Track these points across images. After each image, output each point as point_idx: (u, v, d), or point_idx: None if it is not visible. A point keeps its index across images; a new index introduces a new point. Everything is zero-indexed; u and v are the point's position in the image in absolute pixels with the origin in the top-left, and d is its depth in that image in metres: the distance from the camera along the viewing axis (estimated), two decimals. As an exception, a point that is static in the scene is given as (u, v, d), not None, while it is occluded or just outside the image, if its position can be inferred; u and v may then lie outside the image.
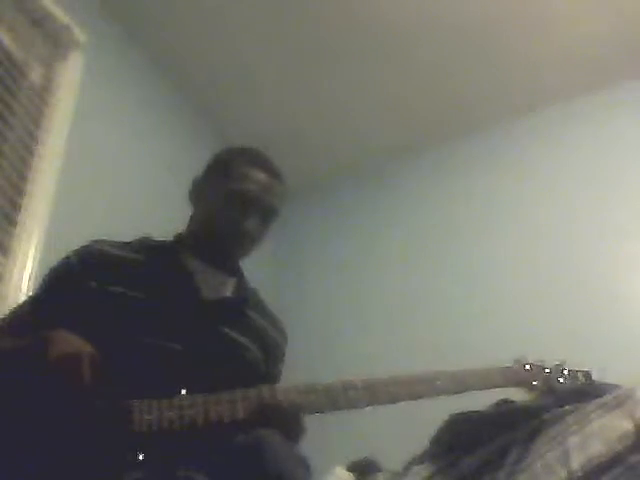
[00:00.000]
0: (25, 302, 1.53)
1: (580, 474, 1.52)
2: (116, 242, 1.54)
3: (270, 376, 1.54)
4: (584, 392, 1.70)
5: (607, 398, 1.64)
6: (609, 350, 2.49)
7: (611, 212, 2.99)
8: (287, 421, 1.28)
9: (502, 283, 3.05)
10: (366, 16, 3.06)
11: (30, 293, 2.09)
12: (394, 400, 1.41)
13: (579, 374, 1.74)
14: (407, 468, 1.81)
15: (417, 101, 3.41)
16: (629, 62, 3.15)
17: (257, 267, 1.72)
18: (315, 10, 3.06)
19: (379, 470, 2.05)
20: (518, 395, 1.74)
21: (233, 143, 1.77)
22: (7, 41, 2.53)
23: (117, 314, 1.38)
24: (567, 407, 1.67)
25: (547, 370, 1.72)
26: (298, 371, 1.63)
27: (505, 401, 1.82)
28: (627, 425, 1.55)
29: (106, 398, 1.23)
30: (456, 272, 3.20)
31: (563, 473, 1.54)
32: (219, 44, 3.21)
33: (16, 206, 2.36)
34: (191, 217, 1.63)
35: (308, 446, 1.38)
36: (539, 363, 1.71)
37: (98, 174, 2.69)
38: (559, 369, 1.72)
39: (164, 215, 2.10)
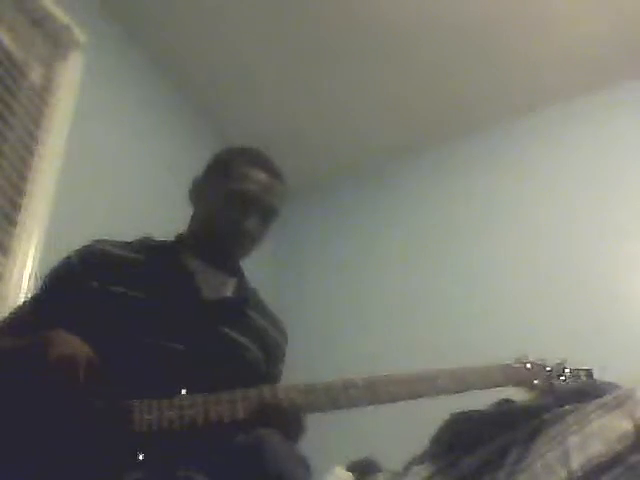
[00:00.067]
0: (26, 302, 1.53)
1: (580, 474, 1.52)
2: (117, 242, 1.54)
3: (270, 376, 1.54)
4: (584, 392, 1.70)
5: (607, 398, 1.64)
6: (609, 350, 2.49)
7: (611, 212, 2.99)
8: (288, 421, 1.28)
9: (502, 283, 3.05)
10: (366, 16, 3.06)
11: (30, 293, 2.09)
12: (395, 399, 1.41)
13: (580, 373, 1.74)
14: (407, 468, 1.81)
15: (417, 101, 3.41)
16: (629, 62, 3.15)
17: (257, 267, 1.72)
18: (315, 10, 3.06)
19: (379, 470, 2.05)
20: (519, 395, 1.74)
21: (233, 143, 1.77)
22: (7, 41, 2.53)
23: (118, 314, 1.39)
24: (567, 407, 1.67)
25: (548, 369, 1.72)
26: (298, 371, 1.63)
27: (505, 401, 1.82)
28: (627, 425, 1.55)
29: (106, 398, 1.23)
30: (456, 272, 3.20)
31: (563, 473, 1.54)
32: (219, 44, 3.21)
33: (16, 206, 2.36)
34: (191, 217, 1.63)
35: (308, 446, 1.38)
36: (540, 362, 1.71)
37: (98, 174, 2.69)
38: (560, 368, 1.72)
39: (164, 215, 2.10)
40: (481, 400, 1.77)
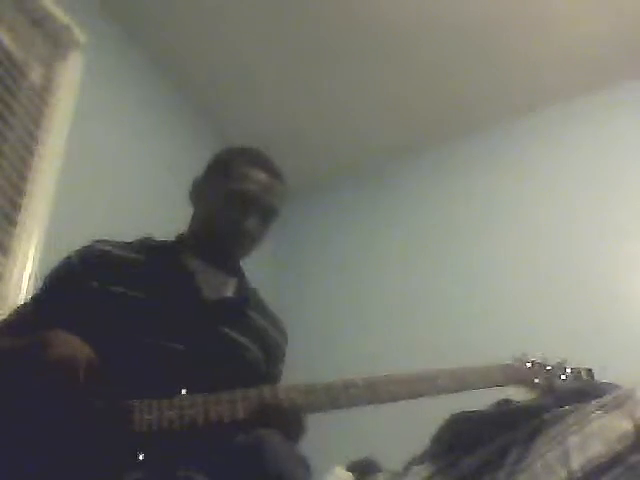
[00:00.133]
0: (26, 302, 1.53)
1: (580, 474, 1.52)
2: (117, 242, 1.54)
3: (270, 376, 1.54)
4: (584, 392, 1.70)
5: (607, 398, 1.64)
6: (609, 350, 2.49)
7: (611, 212, 2.99)
8: (288, 421, 1.28)
9: (502, 283, 3.05)
10: (366, 16, 3.06)
11: (30, 293, 2.09)
12: (395, 398, 1.41)
13: (581, 371, 1.74)
14: (407, 468, 1.81)
15: (417, 101, 3.41)
16: (629, 62, 3.15)
17: (257, 267, 1.72)
18: (315, 10, 3.06)
19: (379, 470, 2.05)
20: (519, 394, 1.74)
21: (233, 143, 1.78)
22: (7, 41, 2.53)
23: (118, 314, 1.39)
24: (567, 407, 1.67)
25: (548, 368, 1.72)
26: (298, 371, 1.63)
27: (505, 401, 1.82)
28: (627, 425, 1.55)
29: (106, 398, 1.23)
30: (456, 272, 3.20)
31: (563, 473, 1.54)
32: (219, 44, 3.21)
33: (16, 206, 2.36)
34: (192, 217, 1.63)
35: (308, 446, 1.38)
36: (540, 361, 1.71)
37: (98, 174, 2.69)
38: (560, 367, 1.72)
39: (164, 215, 2.10)
40: (481, 400, 1.77)
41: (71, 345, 1.25)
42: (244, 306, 1.57)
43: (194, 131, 3.41)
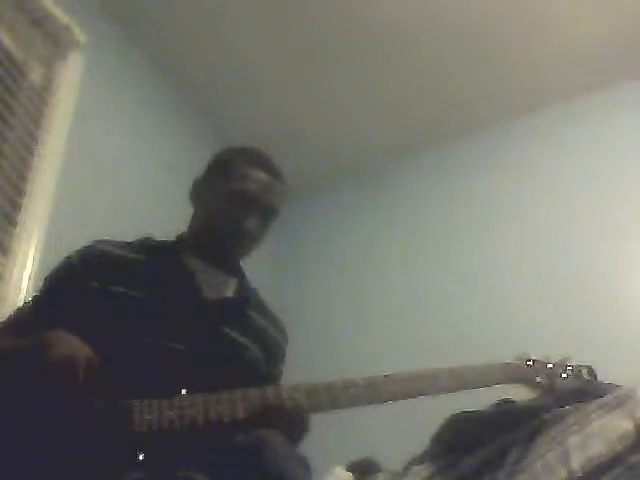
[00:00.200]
0: (27, 303, 1.53)
1: (580, 474, 1.52)
2: (117, 242, 1.54)
3: (271, 376, 1.54)
4: (584, 392, 1.69)
5: (607, 398, 1.64)
6: (609, 350, 2.49)
7: (611, 212, 2.99)
8: (290, 422, 1.28)
9: (502, 283, 3.05)
10: (366, 16, 3.06)
11: (30, 293, 2.09)
12: (395, 397, 1.41)
13: (583, 369, 1.74)
14: (407, 468, 1.81)
15: (417, 101, 3.41)
16: (629, 62, 3.15)
17: (257, 267, 1.72)
18: (315, 10, 3.06)
19: (379, 470, 2.05)
20: (519, 394, 1.74)
21: (233, 143, 1.77)
22: (7, 41, 2.53)
23: (118, 314, 1.39)
24: (567, 407, 1.67)
25: (550, 366, 1.71)
26: (298, 371, 1.62)
27: (505, 401, 1.82)
28: (627, 425, 1.54)
29: (106, 398, 1.23)
30: (456, 272, 3.20)
31: (563, 473, 1.54)
32: (219, 44, 3.21)
33: (16, 206, 2.36)
34: (192, 217, 1.63)
35: (308, 446, 1.38)
36: (542, 359, 1.71)
37: (98, 174, 2.69)
38: (562, 365, 1.72)
39: (164, 215, 2.10)
40: (481, 400, 1.77)
41: (71, 345, 1.25)
42: (244, 306, 1.57)
43: (194, 131, 3.41)
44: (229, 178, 1.57)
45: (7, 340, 1.36)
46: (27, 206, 2.37)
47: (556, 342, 2.42)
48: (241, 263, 1.65)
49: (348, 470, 2.09)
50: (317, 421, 1.38)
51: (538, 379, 1.68)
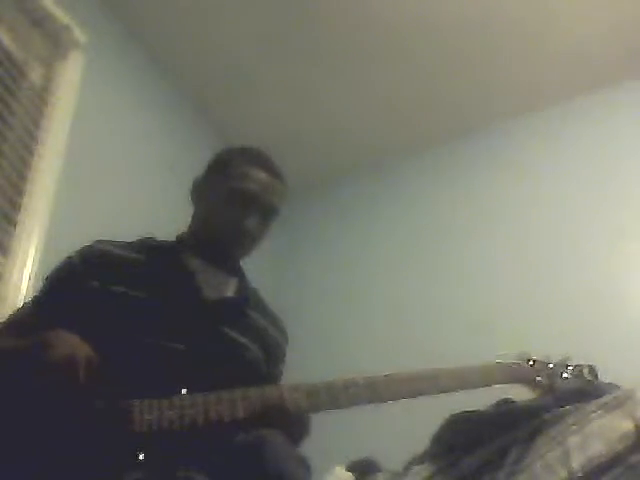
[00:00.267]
0: (28, 303, 1.53)
1: (580, 474, 1.52)
2: (118, 242, 1.54)
3: (271, 376, 1.54)
4: (584, 392, 1.70)
5: (607, 398, 1.64)
6: (609, 350, 2.48)
7: (611, 212, 2.98)
8: (292, 422, 1.28)
9: (503, 283, 3.05)
10: (366, 16, 3.06)
11: (30, 293, 2.09)
12: (396, 397, 1.41)
13: (584, 369, 1.74)
14: (407, 468, 1.81)
15: (417, 101, 3.41)
16: (629, 62, 3.15)
17: (257, 267, 1.72)
18: (315, 10, 3.06)
19: (379, 470, 2.05)
20: (520, 394, 1.74)
21: (233, 143, 1.77)
22: (7, 41, 2.53)
23: (118, 314, 1.39)
24: (567, 407, 1.67)
25: (550, 366, 1.71)
26: (298, 371, 1.62)
27: (505, 401, 1.82)
28: (628, 425, 1.55)
29: (106, 398, 1.23)
30: (457, 271, 3.20)
31: (563, 473, 1.54)
32: (219, 44, 3.21)
33: (16, 206, 2.36)
34: (192, 217, 1.63)
35: (308, 446, 1.38)
36: (542, 359, 1.71)
37: (98, 174, 2.69)
38: (563, 364, 1.72)
39: (165, 215, 2.10)
40: (481, 400, 1.77)
41: (71, 344, 1.25)
42: (244, 306, 1.57)
43: (194, 131, 3.40)
44: (229, 178, 1.57)
45: (7, 340, 1.37)
46: (27, 206, 2.37)
47: (555, 342, 2.44)
48: (241, 263, 1.65)
49: (348, 470, 2.09)
50: (317, 421, 1.38)
51: (538, 379, 1.68)
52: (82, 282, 1.43)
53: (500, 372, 1.66)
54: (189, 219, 1.64)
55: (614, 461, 1.50)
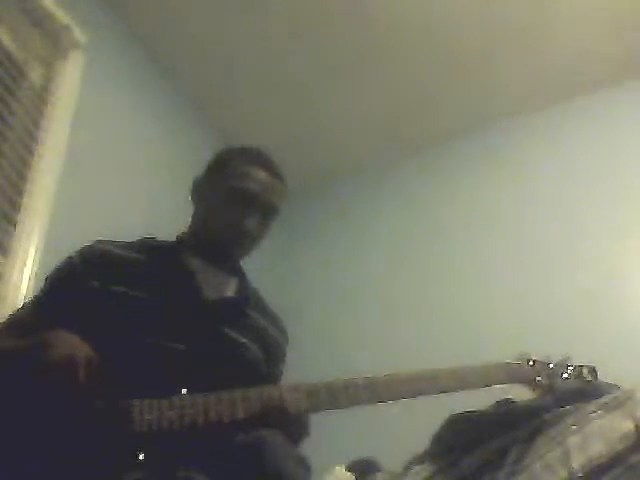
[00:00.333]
0: (29, 302, 1.53)
1: (580, 474, 1.52)
2: (118, 242, 1.54)
3: (271, 376, 1.54)
4: (584, 392, 1.70)
5: (607, 398, 1.64)
6: (609, 350, 2.48)
7: (611, 212, 2.98)
8: (291, 422, 1.28)
9: (503, 282, 3.05)
10: (365, 16, 3.07)
11: (30, 293, 2.09)
12: (396, 397, 1.41)
13: (584, 369, 1.73)
14: (407, 468, 1.81)
15: (417, 101, 3.41)
16: (629, 62, 3.15)
17: (257, 267, 1.72)
18: (316, 11, 3.06)
19: (379, 470, 2.05)
20: (519, 394, 1.74)
21: (233, 143, 1.77)
22: (7, 41, 2.53)
23: (119, 314, 1.39)
24: (567, 407, 1.67)
25: (551, 366, 1.71)
26: (298, 371, 1.62)
27: (505, 401, 1.82)
28: (628, 425, 1.55)
29: (106, 398, 1.23)
30: (457, 271, 3.20)
31: (563, 473, 1.54)
32: (219, 44, 3.21)
33: (16, 206, 2.36)
34: (192, 217, 1.63)
35: (308, 446, 1.38)
36: (542, 359, 1.71)
37: (98, 174, 2.69)
38: (563, 365, 1.72)
39: (165, 215, 2.10)
40: (481, 400, 1.77)
41: (71, 344, 1.25)
42: (244, 306, 1.57)
43: (194, 131, 3.40)
44: (229, 177, 1.57)
45: (8, 340, 1.37)
46: (27, 206, 2.37)
47: (555, 342, 2.44)
48: (241, 263, 1.64)
49: (348, 470, 2.09)
50: (317, 421, 1.38)
51: (538, 379, 1.68)
52: (82, 282, 1.43)
53: (500, 372, 1.66)
54: (189, 219, 1.64)
55: (614, 461, 1.50)
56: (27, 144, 2.49)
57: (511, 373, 1.68)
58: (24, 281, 2.25)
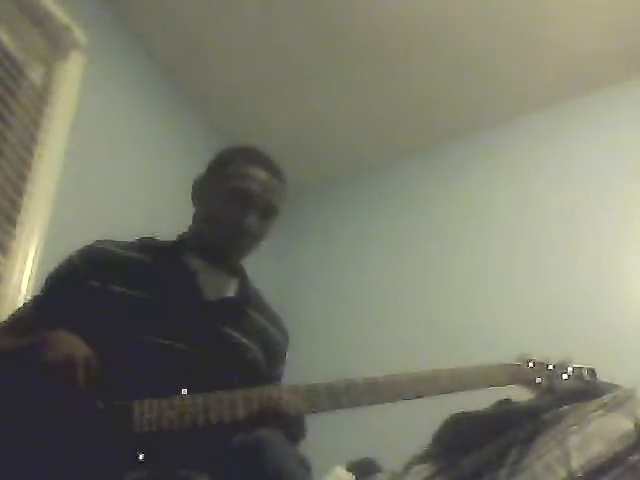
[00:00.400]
0: (29, 302, 1.54)
1: (580, 474, 1.52)
2: (118, 242, 1.54)
3: (271, 376, 1.54)
4: (584, 392, 1.70)
5: (607, 398, 1.64)
6: (609, 350, 2.48)
7: (611, 212, 2.98)
8: (289, 422, 1.28)
9: (503, 282, 3.05)
10: (366, 16, 3.06)
11: (30, 293, 2.09)
12: (396, 398, 1.41)
13: (584, 371, 1.73)
14: (407, 468, 1.81)
15: (417, 101, 3.40)
16: (629, 62, 3.15)
17: (257, 267, 1.72)
18: (317, 10, 3.06)
19: (379, 470, 2.05)
20: (519, 395, 1.74)
21: (233, 143, 1.77)
22: (7, 41, 2.53)
23: (119, 314, 1.39)
24: (567, 407, 1.67)
25: (550, 367, 1.71)
26: (298, 371, 1.63)
27: (505, 401, 1.82)
28: (627, 425, 1.55)
29: (106, 398, 1.23)
30: (459, 271, 3.20)
31: (563, 473, 1.54)
32: (219, 44, 3.21)
33: (16, 206, 2.36)
34: (193, 217, 1.63)
35: (308, 446, 1.38)
36: (542, 360, 1.71)
37: (98, 174, 2.69)
38: (563, 366, 1.72)
39: (165, 215, 2.10)
40: (481, 400, 1.77)
41: (69, 345, 1.25)
42: (245, 306, 1.57)
43: (194, 131, 3.40)
44: (229, 177, 1.57)
45: (8, 340, 1.37)
46: (27, 206, 2.37)
47: (555, 343, 2.44)
48: (242, 263, 1.65)
49: (348, 470, 2.10)
50: (317, 421, 1.38)
51: (538, 380, 1.68)
52: (82, 282, 1.43)
53: (500, 373, 1.66)
54: (189, 219, 1.64)
55: (614, 461, 1.50)
56: (27, 144, 2.49)
57: (511, 374, 1.67)
58: (24, 281, 2.25)
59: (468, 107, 3.40)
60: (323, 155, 3.68)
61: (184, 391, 1.28)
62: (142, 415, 1.21)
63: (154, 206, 2.85)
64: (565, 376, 1.71)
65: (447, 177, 3.52)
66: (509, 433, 1.69)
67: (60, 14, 2.69)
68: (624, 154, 3.08)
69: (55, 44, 2.72)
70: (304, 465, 1.22)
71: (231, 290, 1.57)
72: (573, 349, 1.77)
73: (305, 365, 2.11)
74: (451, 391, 1.51)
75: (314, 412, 1.33)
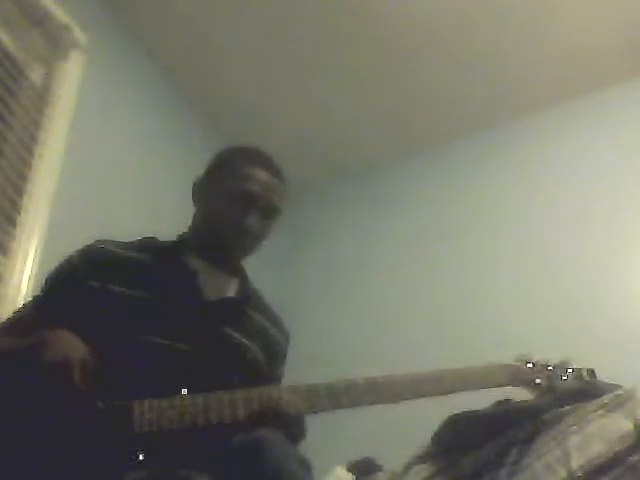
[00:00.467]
0: (29, 302, 1.54)
1: (580, 474, 1.52)
2: (119, 242, 1.54)
3: (272, 376, 1.54)
4: (584, 392, 1.70)
5: (607, 398, 1.64)
6: (609, 350, 2.48)
7: (612, 212, 2.98)
8: (289, 422, 1.28)
9: (503, 282, 3.05)
10: (366, 17, 3.06)
11: (30, 293, 2.09)
12: (397, 399, 1.41)
13: (583, 371, 1.74)
14: (407, 468, 1.81)
15: (417, 101, 3.40)
16: (629, 62, 3.15)
17: (257, 267, 1.72)
18: (317, 11, 3.06)
19: (379, 470, 2.05)
20: (519, 395, 1.74)
21: (233, 143, 1.77)
22: (7, 41, 2.53)
23: (119, 314, 1.39)
24: (567, 407, 1.67)
25: (550, 368, 1.71)
26: (298, 371, 1.62)
27: (505, 401, 1.82)
28: (628, 425, 1.55)
29: (106, 398, 1.23)
30: (457, 271, 3.20)
31: (563, 473, 1.54)
32: (219, 44, 3.21)
33: (16, 206, 2.36)
34: (193, 217, 1.63)
35: (308, 446, 1.38)
36: (542, 361, 1.71)
37: (98, 174, 2.70)
38: (562, 367, 1.72)
39: (165, 215, 2.10)
40: (481, 400, 1.77)
41: (67, 345, 1.25)
42: (245, 306, 1.57)
43: (194, 131, 3.40)
44: (230, 178, 1.57)
45: (7, 340, 1.37)
46: (27, 206, 2.37)
47: (555, 343, 2.44)
48: (242, 263, 1.65)
49: (348, 470, 2.10)
50: (317, 421, 1.38)
51: (538, 381, 1.68)
52: (82, 282, 1.43)
53: (500, 374, 1.66)
54: (189, 219, 1.64)
55: (614, 461, 1.50)
56: (27, 144, 2.49)
57: (511, 374, 1.67)
58: (24, 281, 2.25)
59: (477, 105, 3.39)
60: (325, 155, 3.68)
61: (184, 391, 1.28)
62: (142, 415, 1.21)
63: (154, 206, 2.85)
64: (565, 377, 1.71)
65: (455, 175, 3.50)
66: (509, 433, 1.69)
67: (60, 14, 2.69)
68: (635, 152, 3.07)
69: (55, 44, 2.72)
70: (304, 465, 1.22)
71: (231, 290, 1.57)
72: (582, 348, 1.78)
73: (305, 365, 2.11)
74: (451, 391, 1.51)
75: (314, 412, 1.33)
